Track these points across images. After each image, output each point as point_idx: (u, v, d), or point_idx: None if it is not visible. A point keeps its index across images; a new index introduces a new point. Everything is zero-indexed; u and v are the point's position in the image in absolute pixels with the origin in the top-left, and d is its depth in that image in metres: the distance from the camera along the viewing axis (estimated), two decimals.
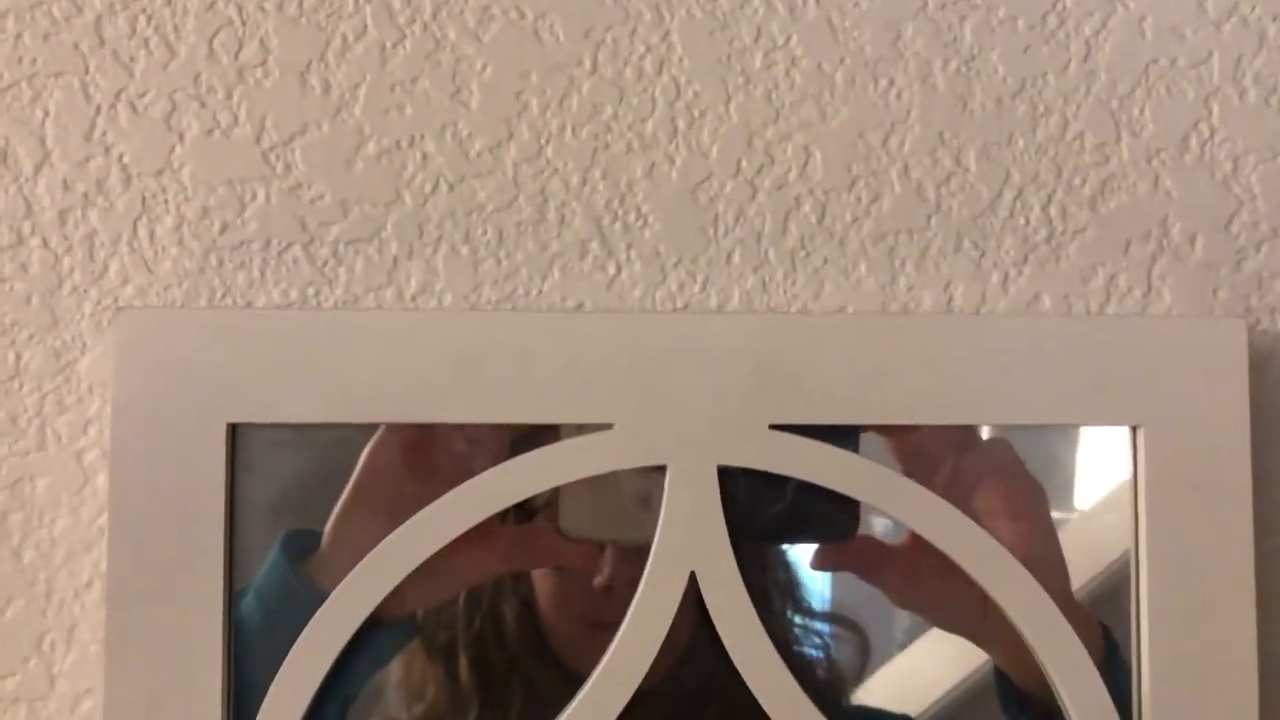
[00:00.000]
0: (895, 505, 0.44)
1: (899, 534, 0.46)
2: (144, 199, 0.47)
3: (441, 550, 0.43)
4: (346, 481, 0.45)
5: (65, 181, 0.47)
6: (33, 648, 0.46)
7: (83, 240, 0.47)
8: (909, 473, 0.45)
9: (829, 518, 0.44)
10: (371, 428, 0.44)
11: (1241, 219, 0.49)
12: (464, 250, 0.47)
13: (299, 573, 0.44)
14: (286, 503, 0.44)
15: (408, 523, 0.43)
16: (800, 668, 0.47)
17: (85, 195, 0.47)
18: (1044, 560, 0.45)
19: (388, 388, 0.43)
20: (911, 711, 0.47)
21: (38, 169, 0.47)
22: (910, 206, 0.48)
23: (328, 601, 0.43)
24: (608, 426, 0.43)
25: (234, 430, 0.43)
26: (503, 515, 0.45)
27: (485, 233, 0.48)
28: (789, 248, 0.48)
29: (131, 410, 0.43)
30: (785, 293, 0.48)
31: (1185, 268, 0.49)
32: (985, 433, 0.46)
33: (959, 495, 0.45)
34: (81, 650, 0.46)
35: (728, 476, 0.43)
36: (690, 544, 0.43)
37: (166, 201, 0.47)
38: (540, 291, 0.48)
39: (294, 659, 0.43)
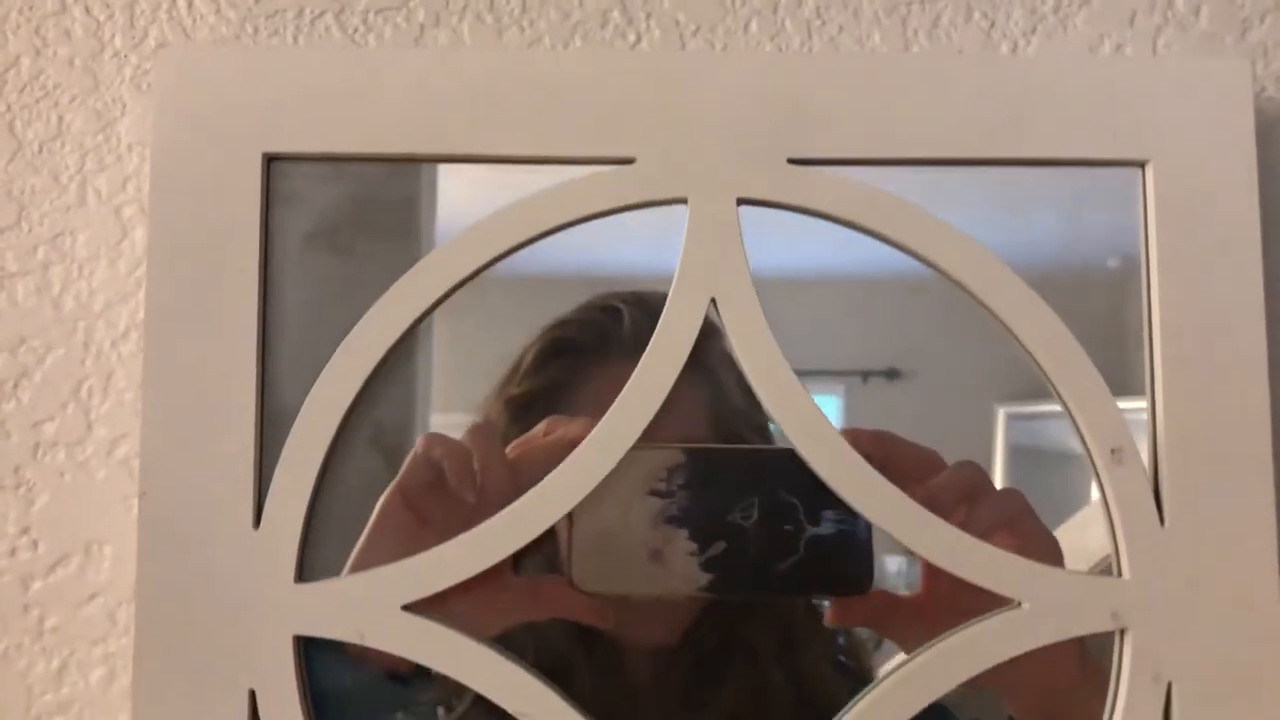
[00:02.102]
0: (912, 238, 0.45)
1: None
2: None
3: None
4: (377, 213, 0.46)
5: None
6: (71, 394, 0.47)
7: (124, 7, 0.49)
8: None
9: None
10: (401, 159, 0.45)
11: None
12: (489, 19, 0.49)
13: None
14: (320, 233, 0.45)
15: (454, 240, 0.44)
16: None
17: None
18: None
19: (417, 122, 0.45)
20: None
21: None
22: None
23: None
24: (629, 161, 0.45)
25: (270, 162, 0.44)
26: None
27: (509, 1, 0.49)
28: (805, 18, 0.49)
29: (172, 145, 0.44)
30: None
31: (1190, 37, 0.50)
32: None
33: None
34: (118, 397, 0.47)
35: None
36: (711, 272, 0.44)
37: None
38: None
39: (324, 379, 0.44)
